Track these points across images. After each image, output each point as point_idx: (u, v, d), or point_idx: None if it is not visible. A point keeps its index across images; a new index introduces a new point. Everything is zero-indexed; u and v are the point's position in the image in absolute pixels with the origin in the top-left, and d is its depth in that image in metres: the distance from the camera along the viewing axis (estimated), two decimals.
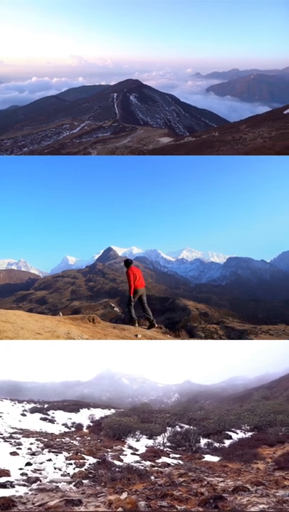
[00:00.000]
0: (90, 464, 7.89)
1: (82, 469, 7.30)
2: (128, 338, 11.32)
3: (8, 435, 11.14)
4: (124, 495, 5.22)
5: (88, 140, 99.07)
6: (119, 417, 16.03)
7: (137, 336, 11.43)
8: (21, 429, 13.13)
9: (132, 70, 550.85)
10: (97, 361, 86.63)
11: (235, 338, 77.59)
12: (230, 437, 13.89)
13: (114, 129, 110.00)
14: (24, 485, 5.80)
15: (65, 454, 8.90)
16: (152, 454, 10.27)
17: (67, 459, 8.31)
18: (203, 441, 12.99)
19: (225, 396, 39.01)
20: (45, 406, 23.16)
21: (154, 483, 6.29)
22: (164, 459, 9.71)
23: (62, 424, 17.17)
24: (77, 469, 7.30)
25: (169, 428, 15.28)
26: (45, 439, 11.05)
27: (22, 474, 6.50)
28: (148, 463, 8.96)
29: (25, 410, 19.94)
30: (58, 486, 5.74)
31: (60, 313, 17.94)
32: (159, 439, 13.40)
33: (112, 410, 24.06)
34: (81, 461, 8.10)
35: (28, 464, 7.41)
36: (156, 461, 9.41)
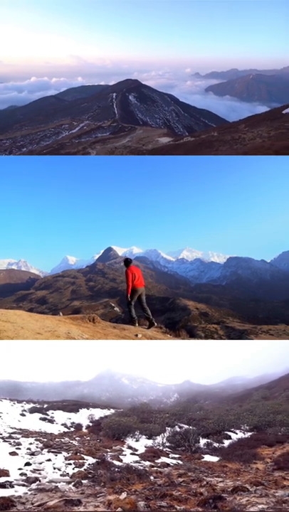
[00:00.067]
0: (89, 464, 7.89)
1: (82, 469, 7.30)
2: (128, 338, 11.32)
3: (7, 435, 11.14)
4: (124, 495, 5.21)
5: (87, 140, 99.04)
6: (118, 417, 16.02)
7: (137, 335, 11.43)
8: (21, 429, 13.13)
9: (131, 70, 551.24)
10: (97, 361, 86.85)
11: (236, 338, 77.59)
12: (229, 437, 13.90)
13: (114, 129, 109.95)
14: (23, 485, 5.80)
15: (65, 454, 8.90)
16: (152, 454, 10.27)
17: (66, 459, 8.30)
18: (202, 442, 12.99)
19: (224, 396, 39.05)
20: (45, 406, 23.17)
21: (153, 483, 6.29)
22: (163, 459, 9.71)
23: (62, 424, 17.17)
24: (76, 469, 7.29)
25: (169, 428, 15.28)
26: (45, 439, 11.04)
27: (21, 474, 6.49)
28: (147, 463, 8.96)
29: (25, 410, 19.94)
30: (57, 486, 5.73)
31: (61, 313, 17.96)
32: (159, 439, 13.40)
33: (112, 410, 24.08)
34: (80, 461, 8.09)
35: (28, 464, 7.40)
36: (156, 461, 9.41)
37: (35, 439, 10.84)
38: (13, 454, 8.26)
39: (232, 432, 14.87)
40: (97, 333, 11.60)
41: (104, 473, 6.84)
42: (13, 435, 11.25)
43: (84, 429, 16.46)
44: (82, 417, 20.09)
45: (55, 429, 15.50)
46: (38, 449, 9.22)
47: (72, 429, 16.19)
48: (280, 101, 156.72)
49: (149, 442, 12.99)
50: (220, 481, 6.46)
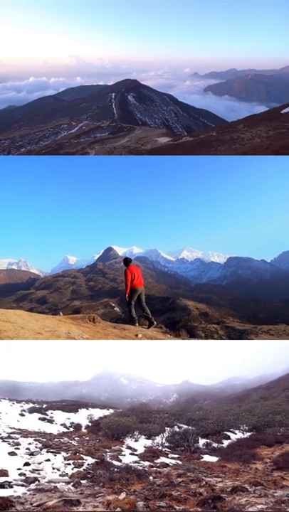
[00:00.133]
0: (88, 464, 7.89)
1: (81, 469, 7.30)
2: (128, 338, 11.33)
3: (6, 435, 11.14)
4: (123, 495, 5.21)
5: (86, 140, 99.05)
6: (117, 417, 16.03)
7: (137, 335, 11.44)
8: (20, 429, 13.12)
9: (130, 70, 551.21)
10: (96, 361, 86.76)
11: (236, 338, 77.58)
12: (228, 437, 13.90)
13: (113, 129, 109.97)
14: (22, 485, 5.79)
15: (64, 454, 8.90)
16: (151, 454, 10.27)
17: (65, 459, 8.30)
18: (201, 442, 12.99)
19: (223, 396, 39.04)
20: (44, 406, 23.17)
21: (152, 483, 6.29)
22: (162, 459, 9.71)
23: (61, 424, 17.17)
24: (75, 469, 7.29)
25: (168, 428, 15.29)
26: (44, 439, 11.04)
27: (20, 474, 6.49)
28: (146, 463, 8.96)
29: (24, 410, 19.93)
30: (56, 486, 5.73)
31: (61, 313, 17.98)
32: (158, 439, 13.40)
33: (111, 410, 24.08)
34: (79, 461, 8.09)
35: (27, 464, 7.40)
36: (155, 461, 9.41)
37: (35, 439, 10.84)
38: (12, 454, 8.26)
39: (231, 432, 14.88)
40: (97, 333, 11.60)
41: (103, 474, 6.84)
42: (12, 435, 11.25)
43: (83, 429, 16.46)
44: (82, 417, 20.09)
45: (54, 429, 15.50)
46: (37, 449, 9.22)
47: (71, 429, 16.19)
48: (279, 101, 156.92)
49: (148, 442, 12.99)
50: (219, 481, 6.46)
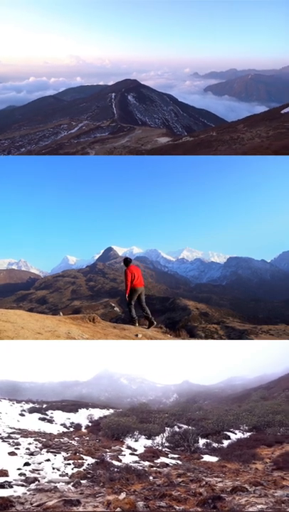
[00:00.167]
0: (88, 464, 7.89)
1: (81, 469, 7.30)
2: (128, 338, 11.33)
3: (6, 435, 11.14)
4: (123, 495, 5.21)
5: (86, 140, 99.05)
6: (117, 417, 16.03)
7: (137, 335, 11.43)
8: (20, 429, 13.12)
9: (130, 70, 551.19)
10: (96, 361, 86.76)
11: (236, 338, 77.58)
12: (228, 437, 13.90)
13: (113, 129, 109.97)
14: (22, 485, 5.79)
15: (64, 454, 8.90)
16: (151, 454, 10.27)
17: (65, 459, 8.30)
18: (201, 442, 12.99)
19: (223, 396, 39.04)
20: (44, 406, 23.17)
21: (152, 483, 6.29)
22: (162, 459, 9.71)
23: (61, 424, 17.17)
24: (75, 469, 7.29)
25: (168, 428, 15.29)
26: (44, 439, 11.04)
27: (20, 474, 6.49)
28: (146, 463, 8.96)
29: (24, 410, 19.93)
30: (56, 486, 5.73)
31: (61, 313, 17.98)
32: (158, 439, 13.40)
33: (111, 410, 24.08)
34: (79, 461, 8.09)
35: (27, 464, 7.40)
36: (155, 461, 9.41)
37: (35, 439, 10.84)
38: (12, 454, 8.26)
39: (231, 432, 14.88)
40: (97, 333, 11.61)
41: (103, 474, 6.84)
42: (12, 435, 11.25)
43: (83, 429, 16.46)
44: (82, 417, 20.09)
45: (54, 429, 15.50)
46: (37, 449, 9.22)
47: (71, 429, 16.18)
48: (279, 101, 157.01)
49: (148, 442, 12.99)
50: (219, 481, 6.46)
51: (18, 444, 9.74)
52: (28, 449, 9.20)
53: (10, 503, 4.70)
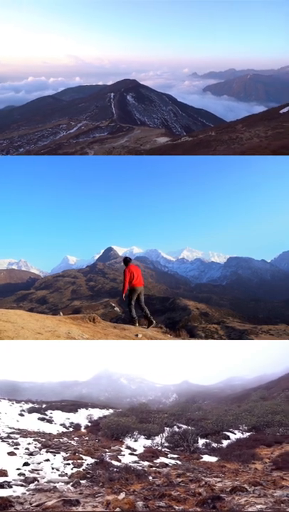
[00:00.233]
0: (87, 464, 7.88)
1: (80, 469, 7.29)
2: (129, 338, 11.34)
3: (5, 435, 11.13)
4: (122, 495, 5.21)
5: (85, 140, 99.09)
6: (117, 417, 16.02)
7: (137, 335, 11.43)
8: (19, 429, 13.11)
9: (129, 70, 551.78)
10: (96, 361, 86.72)
11: (236, 338, 77.59)
12: (228, 437, 13.89)
13: (111, 129, 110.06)
14: (22, 485, 5.78)
15: (63, 454, 8.89)
16: (150, 454, 10.27)
17: (65, 459, 8.29)
18: (201, 442, 12.99)
19: (223, 396, 39.03)
20: (43, 406, 23.15)
21: (152, 483, 6.29)
22: (162, 459, 9.70)
23: (60, 424, 17.16)
24: (75, 469, 7.28)
25: (167, 428, 15.29)
26: (43, 439, 11.03)
27: (19, 474, 6.48)
28: (146, 463, 8.96)
29: (23, 410, 19.91)
30: (55, 486, 5.72)
31: (61, 313, 17.97)
32: (157, 439, 13.40)
33: (110, 410, 24.07)
34: (79, 461, 8.09)
35: (26, 464, 7.39)
36: (154, 461, 9.41)
37: (34, 439, 10.83)
38: (11, 454, 8.25)
39: (230, 432, 14.87)
40: (97, 333, 11.61)
41: (102, 474, 6.84)
42: (11, 435, 11.24)
43: (82, 429, 16.45)
44: (81, 417, 20.09)
45: (53, 429, 15.48)
46: (37, 449, 9.21)
47: (70, 429, 16.17)
48: (278, 101, 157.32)
49: (148, 442, 12.99)
50: (218, 481, 6.46)
51: (17, 444, 9.74)
52: (27, 449, 9.19)
53: (9, 503, 4.69)
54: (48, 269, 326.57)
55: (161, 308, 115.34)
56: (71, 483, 6.03)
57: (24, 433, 12.24)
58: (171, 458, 10.24)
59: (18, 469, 6.87)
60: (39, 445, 9.96)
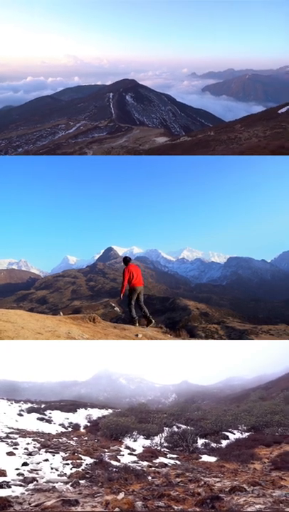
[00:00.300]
0: (87, 464, 7.88)
1: (79, 469, 7.29)
2: (129, 338, 11.35)
3: (4, 435, 11.12)
4: (121, 495, 5.21)
5: (84, 140, 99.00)
6: (116, 417, 16.02)
7: (137, 335, 11.44)
8: (18, 429, 13.10)
9: (128, 70, 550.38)
10: (96, 361, 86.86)
11: (236, 338, 77.63)
12: (227, 437, 13.90)
13: (110, 129, 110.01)
14: (20, 485, 5.78)
15: (62, 454, 8.88)
16: (149, 454, 10.26)
17: (64, 459, 8.29)
18: (200, 442, 12.99)
19: (222, 396, 39.07)
20: (42, 406, 23.15)
21: (151, 483, 6.29)
22: (161, 459, 9.70)
23: (59, 424, 17.15)
24: (74, 469, 7.28)
25: (167, 428, 15.29)
26: (42, 439, 11.03)
27: (18, 474, 6.47)
28: (145, 463, 8.96)
29: (22, 410, 19.90)
30: (54, 486, 5.72)
31: (61, 313, 17.97)
32: (156, 439, 13.40)
33: (110, 410, 24.08)
34: (78, 461, 8.08)
35: (25, 464, 7.38)
36: (154, 461, 9.41)
37: (33, 439, 10.82)
38: (10, 454, 8.24)
39: (230, 432, 14.88)
40: (97, 333, 11.62)
41: (101, 474, 6.84)
42: (10, 435, 11.23)
43: (82, 429, 16.44)
44: (80, 417, 20.08)
45: (52, 429, 15.48)
46: (36, 449, 9.21)
47: (69, 429, 16.16)
48: (276, 101, 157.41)
49: (147, 442, 12.99)
50: (217, 481, 6.46)
51: (16, 444, 9.73)
52: (26, 449, 9.18)
53: (8, 503, 4.69)
54: (48, 269, 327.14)
55: (161, 308, 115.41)
56: (70, 483, 6.03)
57: (23, 433, 12.23)
58: (170, 458, 10.24)
59: (17, 469, 6.86)
60: (38, 445, 9.96)
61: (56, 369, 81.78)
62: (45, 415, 18.99)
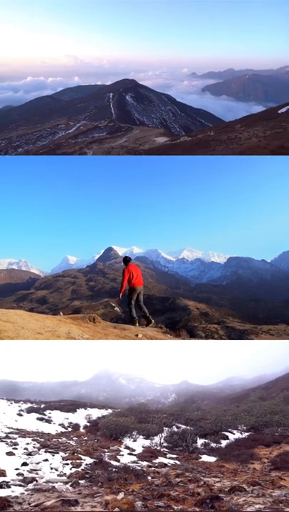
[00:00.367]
0: (86, 464, 7.88)
1: (79, 469, 7.29)
2: (129, 338, 11.35)
3: (4, 435, 11.11)
4: (121, 495, 5.21)
5: (84, 140, 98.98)
6: (116, 417, 16.02)
7: (137, 335, 11.43)
8: (18, 429, 13.10)
9: (128, 70, 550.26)
10: (95, 361, 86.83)
11: (236, 338, 77.61)
12: (226, 437, 13.90)
13: (110, 129, 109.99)
14: (20, 485, 5.78)
15: (62, 454, 8.89)
16: (149, 454, 10.26)
17: (63, 459, 8.29)
18: (200, 442, 12.99)
19: (222, 396, 39.06)
20: (42, 406, 23.14)
21: (150, 483, 6.29)
22: (160, 459, 9.70)
23: (59, 424, 17.14)
24: (73, 469, 7.28)
25: (166, 428, 15.29)
26: (42, 439, 11.03)
27: (18, 474, 6.48)
28: (145, 463, 8.96)
29: (22, 410, 19.90)
30: (54, 486, 5.72)
31: (61, 313, 17.97)
32: (156, 439, 13.40)
33: (109, 410, 24.07)
34: (78, 461, 8.08)
35: (25, 464, 7.38)
36: (153, 461, 9.41)
37: (33, 439, 10.82)
38: (10, 454, 8.24)
39: (229, 432, 14.88)
40: (97, 333, 11.62)
41: (101, 474, 6.84)
42: (10, 435, 11.23)
43: (81, 429, 16.44)
44: (80, 417, 20.08)
45: (52, 429, 15.47)
46: (35, 449, 9.21)
47: (69, 429, 16.16)
48: (276, 101, 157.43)
49: (147, 442, 12.99)
50: (217, 481, 6.46)
51: (16, 444, 9.73)
52: (26, 449, 9.18)
53: (8, 503, 4.69)
54: (48, 269, 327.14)
55: (161, 308, 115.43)
56: (70, 483, 6.03)
57: (23, 433, 12.23)
58: (170, 458, 10.25)
59: (16, 469, 6.87)
60: (38, 445, 9.96)
61: (56, 369, 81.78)
62: (45, 415, 18.99)
